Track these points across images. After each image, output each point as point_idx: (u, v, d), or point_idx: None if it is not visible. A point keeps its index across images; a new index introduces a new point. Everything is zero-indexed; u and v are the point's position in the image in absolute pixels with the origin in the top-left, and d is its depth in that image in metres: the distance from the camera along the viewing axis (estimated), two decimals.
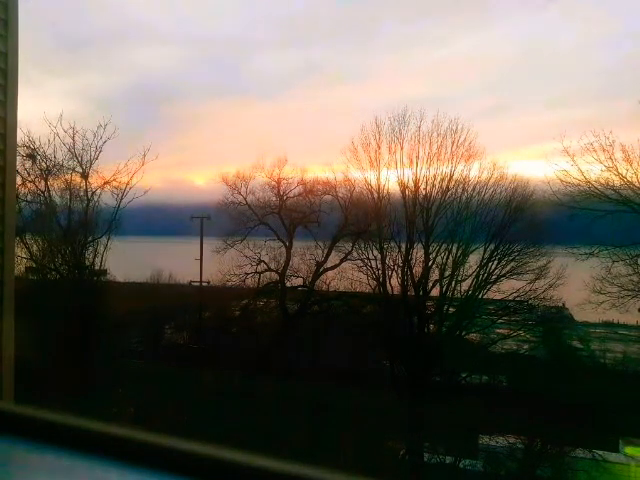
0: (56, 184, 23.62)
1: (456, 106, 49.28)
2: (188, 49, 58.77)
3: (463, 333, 23.99)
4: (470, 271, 23.37)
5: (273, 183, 28.72)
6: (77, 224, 23.80)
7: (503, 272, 23.32)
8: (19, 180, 21.44)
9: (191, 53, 57.94)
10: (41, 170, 23.18)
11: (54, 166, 23.27)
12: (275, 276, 28.38)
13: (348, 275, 25.98)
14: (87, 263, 23.89)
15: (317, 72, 54.96)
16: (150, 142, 31.35)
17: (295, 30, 53.34)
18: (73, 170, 23.57)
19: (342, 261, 26.72)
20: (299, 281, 28.39)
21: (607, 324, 28.56)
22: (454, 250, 23.08)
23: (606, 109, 43.09)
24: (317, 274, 27.53)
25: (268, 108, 53.35)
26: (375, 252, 24.27)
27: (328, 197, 27.91)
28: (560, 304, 24.44)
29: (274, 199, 28.78)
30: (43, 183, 23.19)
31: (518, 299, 23.82)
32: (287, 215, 28.42)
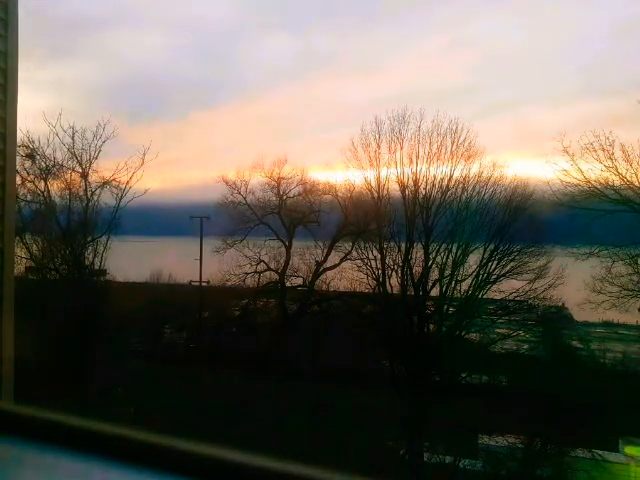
0: (55, 184, 23.66)
1: (455, 104, 49.09)
2: (177, 36, 56.50)
3: (463, 333, 23.98)
4: (470, 271, 23.38)
5: (273, 183, 28.76)
6: (77, 224, 23.82)
7: (503, 272, 23.31)
8: (19, 180, 21.46)
9: (180, 41, 55.81)
10: (40, 170, 23.21)
11: (53, 166, 23.31)
12: (275, 276, 28.39)
13: (348, 275, 26.01)
14: (87, 263, 23.91)
15: (317, 61, 53.40)
16: (149, 140, 31.20)
17: (291, 15, 51.60)
18: (72, 170, 23.61)
19: (342, 261, 26.74)
20: (299, 281, 28.43)
21: (607, 324, 28.55)
22: (454, 250, 23.08)
23: (607, 108, 43.02)
24: (317, 274, 27.54)
25: (265, 104, 52.44)
26: (375, 252, 24.26)
27: (328, 197, 27.95)
28: (560, 304, 24.43)
29: (274, 199, 28.82)
30: (42, 183, 23.22)
31: (518, 299, 23.81)
32: (287, 215, 28.42)
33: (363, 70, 48.31)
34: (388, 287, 23.89)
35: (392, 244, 23.94)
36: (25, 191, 22.70)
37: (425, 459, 20.26)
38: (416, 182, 23.34)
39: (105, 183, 23.95)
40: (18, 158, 20.36)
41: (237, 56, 55.95)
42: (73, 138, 23.30)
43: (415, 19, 46.77)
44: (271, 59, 52.45)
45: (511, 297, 23.78)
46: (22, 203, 22.18)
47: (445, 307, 23.93)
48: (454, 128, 23.30)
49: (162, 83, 55.47)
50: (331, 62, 49.98)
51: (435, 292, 23.49)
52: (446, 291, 23.26)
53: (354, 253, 25.86)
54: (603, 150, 20.57)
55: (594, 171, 21.02)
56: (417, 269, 23.52)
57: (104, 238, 23.73)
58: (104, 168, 24.11)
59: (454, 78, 45.39)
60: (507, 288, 23.53)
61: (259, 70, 54.38)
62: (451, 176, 23.28)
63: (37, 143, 22.94)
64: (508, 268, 23.27)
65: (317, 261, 27.57)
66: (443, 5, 45.89)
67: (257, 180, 28.91)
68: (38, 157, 22.96)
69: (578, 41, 43.22)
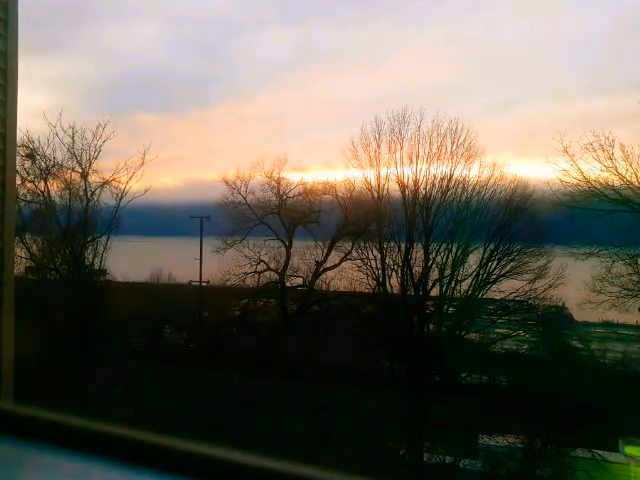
0: (55, 184, 23.67)
1: (455, 102, 48.89)
2: (172, 32, 55.08)
3: (463, 333, 23.99)
4: (470, 271, 23.39)
5: (273, 183, 28.75)
6: (77, 224, 23.82)
7: (503, 272, 23.32)
8: (19, 180, 21.47)
9: (176, 37, 54.21)
10: (40, 170, 23.21)
11: (53, 166, 23.32)
12: (275, 276, 28.38)
13: (348, 275, 26.00)
14: (87, 263, 23.91)
15: (317, 58, 52.38)
16: (150, 140, 31.06)
17: (290, 11, 50.33)
18: (72, 170, 23.61)
19: (342, 261, 26.73)
20: (299, 281, 28.42)
21: (607, 324, 28.54)
22: (454, 250, 23.09)
23: (607, 108, 42.96)
24: (317, 274, 27.53)
25: (264, 102, 51.84)
26: (375, 252, 24.27)
27: (328, 197, 27.94)
28: (560, 304, 24.44)
29: (274, 199, 28.81)
30: (42, 183, 23.22)
31: (518, 299, 23.82)
32: (287, 215, 28.41)
33: (362, 67, 48.03)
34: (388, 287, 23.90)
35: (392, 244, 23.95)
36: (25, 191, 22.72)
37: (425, 459, 20.26)
38: (416, 182, 23.36)
39: (105, 183, 23.98)
40: (18, 158, 20.37)
41: (236, 53, 55.50)
42: (73, 138, 23.34)
43: (415, 15, 46.50)
44: (270, 56, 52.11)
45: (511, 297, 23.79)
46: (22, 203, 22.19)
47: (445, 307, 23.93)
48: (454, 128, 23.36)
49: (157, 80, 54.97)
50: (331, 58, 49.58)
51: (435, 292, 23.50)
52: (446, 291, 23.26)
53: (354, 253, 25.87)
54: (603, 150, 20.60)
55: (594, 171, 21.06)
56: (417, 269, 23.54)
57: (104, 238, 23.76)
58: (104, 168, 24.15)
59: (454, 76, 45.31)
60: (507, 288, 23.54)
61: (259, 68, 54.00)
62: (451, 176, 23.31)
63: (37, 143, 22.99)
64: (508, 268, 23.28)
65: (317, 261, 27.56)
66: (443, 1, 45.51)
67: (257, 180, 28.93)
68: (38, 157, 22.99)
69: (579, 40, 43.23)
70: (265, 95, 52.49)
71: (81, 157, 23.46)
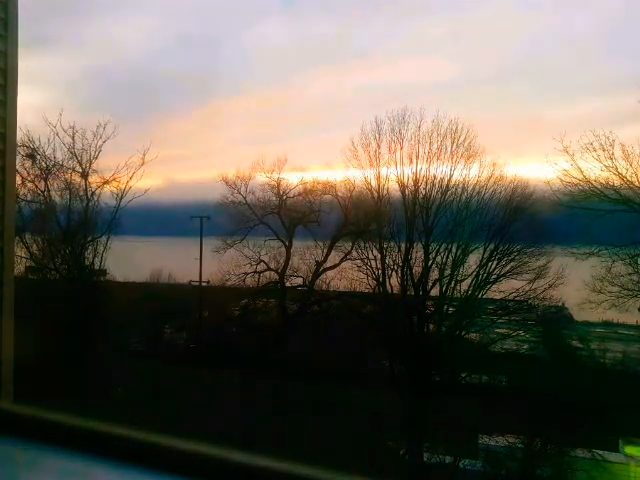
0: (56, 184, 23.67)
1: (455, 102, 48.69)
2: (165, 24, 54.02)
3: (463, 333, 23.99)
4: (470, 271, 23.39)
5: (273, 183, 28.75)
6: (77, 224, 23.83)
7: (503, 272, 23.33)
8: (19, 180, 21.47)
9: (174, 32, 53.17)
10: (41, 170, 23.22)
11: (53, 165, 23.32)
12: (275, 276, 28.38)
13: (348, 275, 26.00)
14: (87, 263, 23.92)
15: (315, 55, 51.95)
16: (150, 140, 30.94)
17: (288, 5, 49.59)
18: (72, 170, 23.62)
19: (342, 261, 26.73)
20: (299, 281, 28.42)
21: (607, 324, 28.56)
22: (454, 250, 23.09)
23: (607, 107, 42.88)
24: (317, 274, 27.54)
25: (263, 99, 51.39)
26: (375, 252, 24.28)
27: (328, 197, 27.94)
28: (560, 304, 24.45)
29: (274, 199, 28.80)
30: (43, 183, 23.22)
31: (518, 299, 23.82)
32: (287, 215, 28.41)
33: (363, 66, 47.82)
34: (388, 287, 23.90)
35: (392, 244, 23.96)
36: (25, 191, 22.73)
37: (425, 459, 20.25)
38: (416, 182, 23.36)
39: (105, 183, 23.99)
40: (18, 158, 20.37)
41: (235, 52, 55.19)
42: (73, 137, 23.35)
43: (416, 14, 46.33)
44: (270, 56, 51.85)
45: (511, 297, 23.79)
46: (22, 203, 22.19)
47: (445, 307, 23.94)
48: (454, 128, 23.36)
49: (156, 77, 54.59)
50: (331, 57, 49.35)
51: (435, 292, 23.50)
52: (446, 291, 23.27)
53: (354, 253, 25.87)
54: (603, 150, 20.60)
55: (594, 171, 21.06)
56: (417, 269, 23.54)
57: (104, 238, 23.76)
58: (104, 167, 24.14)
59: (454, 75, 45.28)
60: (507, 288, 23.54)
61: (258, 68, 53.78)
62: (451, 176, 23.32)
63: (37, 142, 22.99)
64: (508, 268, 23.28)
65: (317, 261, 27.56)
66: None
67: (257, 180, 28.92)
68: (39, 157, 23.00)
69: (579, 38, 43.17)
70: (265, 95, 52.32)
71: (81, 157, 23.49)
